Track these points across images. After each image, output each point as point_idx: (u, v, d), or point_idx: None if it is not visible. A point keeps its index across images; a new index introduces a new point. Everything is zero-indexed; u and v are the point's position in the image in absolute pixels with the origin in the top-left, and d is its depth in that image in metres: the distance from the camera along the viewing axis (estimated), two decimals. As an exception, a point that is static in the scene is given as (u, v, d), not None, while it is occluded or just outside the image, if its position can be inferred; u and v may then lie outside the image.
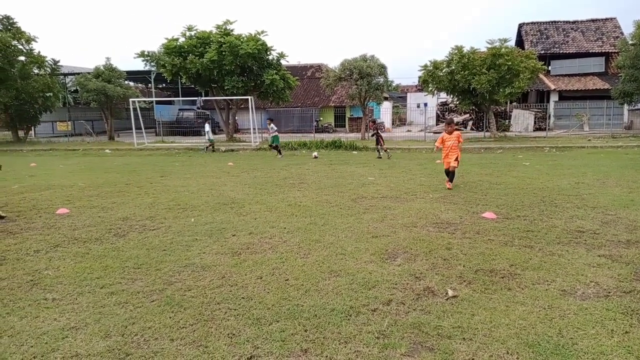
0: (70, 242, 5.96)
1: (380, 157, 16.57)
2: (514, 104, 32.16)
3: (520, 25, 35.61)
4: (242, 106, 27.44)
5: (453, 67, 23.85)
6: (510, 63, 22.40)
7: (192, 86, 28.81)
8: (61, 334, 3.47)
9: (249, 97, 24.38)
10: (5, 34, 26.58)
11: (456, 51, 23.85)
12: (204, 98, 31.91)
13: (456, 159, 9.44)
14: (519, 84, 22.89)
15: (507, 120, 30.80)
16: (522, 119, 30.33)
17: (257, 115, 27.96)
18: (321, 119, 36.31)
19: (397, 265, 4.88)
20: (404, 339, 3.32)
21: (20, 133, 29.92)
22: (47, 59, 29.03)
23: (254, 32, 24.77)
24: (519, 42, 34.84)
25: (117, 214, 7.60)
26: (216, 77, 24.70)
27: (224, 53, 23.47)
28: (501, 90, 23.17)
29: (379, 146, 16.93)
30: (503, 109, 31.64)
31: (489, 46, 23.35)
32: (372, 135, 17.68)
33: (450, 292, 4.05)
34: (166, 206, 8.16)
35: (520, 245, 5.49)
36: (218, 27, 25.23)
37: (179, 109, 36.11)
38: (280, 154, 18.50)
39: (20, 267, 5.01)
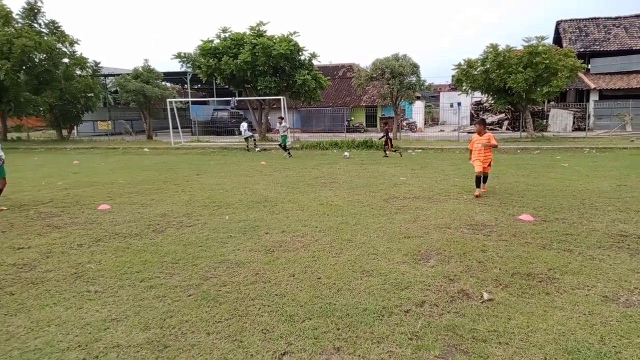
0: (111, 237, 6.19)
1: (387, 156, 16.93)
2: (552, 103, 31.15)
3: (558, 23, 34.47)
4: (275, 106, 27.72)
5: (488, 66, 23.31)
6: (547, 61, 21.70)
7: (226, 87, 29.32)
8: (103, 325, 3.62)
9: (281, 97, 24.60)
10: (51, 37, 27.83)
11: (491, 49, 23.31)
12: (237, 98, 32.39)
13: (489, 165, 8.77)
14: (557, 83, 22.16)
15: (545, 120, 29.88)
16: (560, 119, 29.35)
17: (289, 115, 28.15)
18: (352, 118, 36.22)
19: (430, 266, 4.84)
20: (438, 341, 3.30)
21: (64, 132, 31.22)
22: (88, 60, 30.23)
23: (287, 32, 24.98)
24: (557, 40, 33.70)
25: (156, 210, 7.84)
26: (249, 78, 25.06)
27: (257, 54, 23.78)
28: (538, 89, 22.48)
29: (386, 147, 17.36)
30: (540, 108, 30.71)
31: (526, 44, 22.70)
32: (382, 137, 17.77)
33: (486, 295, 3.99)
34: (202, 203, 8.36)
35: (559, 249, 5.33)
36: (251, 28, 25.58)
37: (214, 109, 36.81)
38: (289, 155, 17.96)
39: (65, 260, 5.24)
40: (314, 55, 26.19)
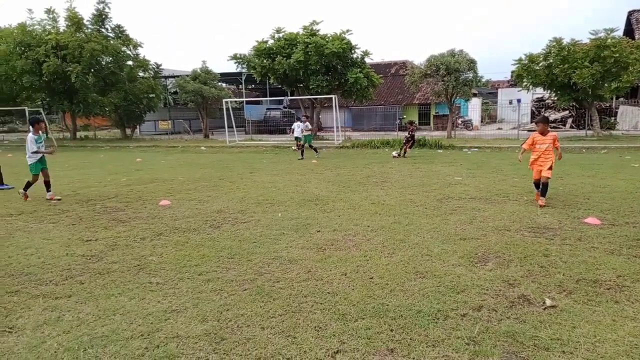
0: (172, 231, 6.47)
1: (398, 157, 16.47)
2: (621, 99, 29.15)
3: (630, 13, 32.15)
4: (326, 105, 27.82)
5: (551, 61, 22.14)
6: (617, 55, 20.28)
7: (279, 86, 29.77)
8: (164, 316, 3.78)
9: (333, 96, 24.65)
10: (117, 41, 29.47)
11: (554, 43, 22.13)
12: (290, 97, 32.83)
13: (550, 168, 7.56)
14: (628, 78, 20.68)
15: (613, 118, 28.02)
16: (630, 116, 27.40)
17: (340, 114, 28.16)
18: (405, 116, 35.67)
19: (488, 270, 4.67)
20: (497, 347, 3.18)
21: (127, 131, 32.97)
22: (150, 63, 31.74)
23: (339, 31, 24.99)
24: (628, 32, 31.46)
25: (212, 206, 8.10)
26: (302, 77, 25.31)
27: (309, 53, 23.96)
28: (606, 84, 21.10)
29: (405, 147, 16.80)
30: (608, 105, 28.84)
31: (593, 37, 21.37)
32: (408, 140, 16.94)
33: (548, 302, 3.79)
34: (255, 201, 8.54)
35: (629, 255, 4.98)
36: (305, 27, 25.80)
37: (267, 109, 37.54)
38: (317, 152, 17.36)
39: (129, 252, 5.53)
40: (366, 53, 26.02)
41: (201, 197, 9.08)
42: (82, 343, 3.36)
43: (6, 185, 10.77)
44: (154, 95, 31.68)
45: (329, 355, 3.12)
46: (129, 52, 30.55)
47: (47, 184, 9.06)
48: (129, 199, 9.04)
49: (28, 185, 9.06)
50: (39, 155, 8.92)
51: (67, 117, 33.55)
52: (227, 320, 3.67)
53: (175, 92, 33.82)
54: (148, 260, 5.19)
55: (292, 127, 18.65)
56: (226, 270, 4.82)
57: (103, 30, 29.89)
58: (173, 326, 3.60)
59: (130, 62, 30.67)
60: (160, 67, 32.90)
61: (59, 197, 9.04)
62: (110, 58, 29.09)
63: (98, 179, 12.09)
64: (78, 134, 33.09)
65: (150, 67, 31.85)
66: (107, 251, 5.58)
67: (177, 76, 33.76)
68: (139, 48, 30.99)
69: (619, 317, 3.56)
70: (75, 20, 28.56)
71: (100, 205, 8.45)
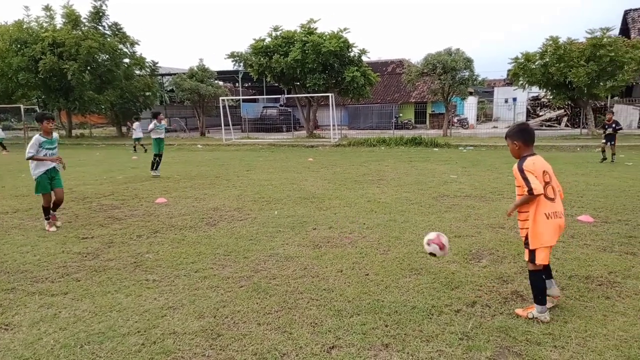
0: (168, 228, 6.48)
1: None
2: (616, 98, 29.28)
3: (627, 12, 32.30)
4: (322, 103, 27.86)
5: (547, 59, 22.25)
6: (613, 54, 20.41)
7: (276, 84, 29.77)
8: (160, 313, 3.80)
9: (330, 94, 24.67)
10: (114, 38, 29.39)
11: (551, 42, 22.22)
12: (286, 96, 32.83)
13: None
14: (623, 77, 20.82)
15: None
16: (624, 115, 27.52)
17: (336, 112, 28.20)
18: (401, 115, 35.74)
19: (482, 266, 4.72)
20: (490, 342, 3.22)
21: (123, 129, 32.90)
22: (147, 60, 31.65)
23: (337, 29, 25.01)
24: (624, 31, 31.59)
25: (209, 204, 8.12)
26: (299, 75, 25.32)
27: (307, 51, 23.97)
28: (602, 83, 21.23)
29: None
30: (603, 104, 28.97)
31: (589, 36, 21.46)
32: None
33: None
34: (252, 198, 8.57)
35: (621, 252, 5.04)
36: (302, 26, 25.81)
37: (263, 107, 37.54)
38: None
39: (125, 250, 5.54)
40: (363, 52, 26.06)
41: (197, 194, 9.09)
42: (79, 340, 3.38)
43: None
44: (150, 93, 31.64)
45: (324, 351, 3.16)
46: (125, 49, 30.50)
47: (56, 205, 6.71)
48: (125, 196, 9.04)
49: (46, 211, 6.55)
50: (46, 167, 6.41)
51: (62, 115, 33.41)
52: (223, 316, 3.70)
53: (172, 90, 33.77)
54: (144, 258, 5.21)
55: None
56: (222, 267, 4.85)
57: (100, 27, 29.82)
58: (169, 323, 3.62)
59: (126, 60, 30.61)
60: (157, 65, 32.82)
61: (58, 224, 6.73)
62: (107, 56, 29.02)
63: (94, 176, 12.07)
64: (74, 132, 33.00)
65: (147, 64, 31.76)
66: (104, 249, 5.59)
67: (174, 74, 33.68)
68: (135, 46, 30.95)
69: (609, 312, 3.61)
70: (72, 18, 28.46)
71: (97, 202, 8.45)
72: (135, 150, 20.36)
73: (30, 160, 6.35)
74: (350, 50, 25.47)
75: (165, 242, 5.83)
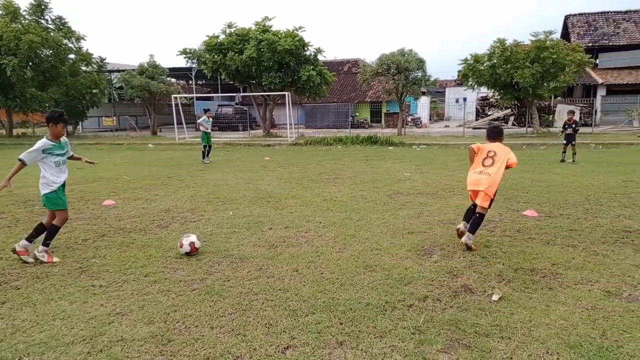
0: (116, 232, 6.23)
1: None
2: (559, 98, 30.93)
3: (567, 17, 34.19)
4: (279, 102, 27.71)
5: (495, 61, 23.19)
6: (555, 56, 21.54)
7: (231, 82, 29.31)
8: (108, 319, 3.64)
9: (286, 93, 24.58)
10: (58, 33, 27.92)
11: (498, 44, 23.16)
12: (242, 94, 32.42)
13: (487, 195, 5.14)
14: (565, 78, 22.03)
15: (551, 116, 29.70)
16: (566, 115, 29.14)
17: (293, 111, 28.13)
18: (357, 114, 36.15)
19: (433, 262, 4.84)
20: (440, 335, 3.30)
21: (69, 128, 31.37)
22: (94, 56, 30.30)
23: (292, 28, 24.96)
24: (565, 35, 33.43)
25: (160, 206, 7.87)
26: (254, 73, 25.06)
27: (262, 50, 23.75)
28: (545, 84, 22.36)
29: None
30: (547, 103, 30.51)
31: (533, 39, 22.54)
32: None
33: (495, 297, 3.88)
34: (206, 199, 8.38)
35: (563, 245, 5.32)
36: (257, 23, 25.55)
37: (218, 105, 36.85)
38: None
39: (70, 255, 5.28)
40: (319, 51, 26.14)
41: (148, 196, 8.80)
42: (17, 351, 3.18)
43: None
44: (97, 90, 30.31)
45: (279, 351, 3.13)
46: (70, 45, 29.01)
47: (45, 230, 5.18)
48: (70, 199, 8.59)
49: (49, 233, 5.12)
50: (60, 181, 5.22)
51: (2, 113, 31.42)
52: (174, 321, 3.59)
53: (121, 87, 32.58)
54: (90, 263, 4.98)
55: None
56: (174, 270, 4.71)
57: (42, 21, 28.25)
58: (117, 329, 3.48)
59: (72, 56, 29.15)
60: (105, 61, 31.51)
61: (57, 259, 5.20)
62: (51, 51, 27.49)
63: (36, 178, 11.39)
64: (15, 131, 31.14)
65: (94, 61, 30.41)
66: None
67: (123, 70, 32.45)
68: (81, 41, 29.54)
69: (552, 302, 3.80)
70: (10, 10, 26.77)
71: (39, 206, 7.98)
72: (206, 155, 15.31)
73: (42, 171, 5.27)
74: (305, 49, 25.48)
75: (112, 246, 5.60)
